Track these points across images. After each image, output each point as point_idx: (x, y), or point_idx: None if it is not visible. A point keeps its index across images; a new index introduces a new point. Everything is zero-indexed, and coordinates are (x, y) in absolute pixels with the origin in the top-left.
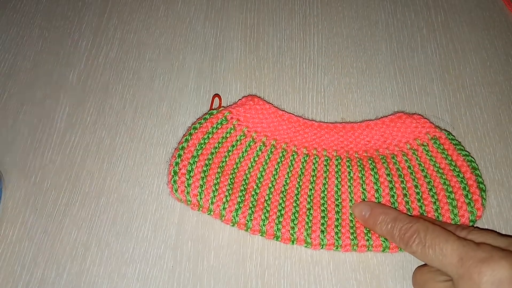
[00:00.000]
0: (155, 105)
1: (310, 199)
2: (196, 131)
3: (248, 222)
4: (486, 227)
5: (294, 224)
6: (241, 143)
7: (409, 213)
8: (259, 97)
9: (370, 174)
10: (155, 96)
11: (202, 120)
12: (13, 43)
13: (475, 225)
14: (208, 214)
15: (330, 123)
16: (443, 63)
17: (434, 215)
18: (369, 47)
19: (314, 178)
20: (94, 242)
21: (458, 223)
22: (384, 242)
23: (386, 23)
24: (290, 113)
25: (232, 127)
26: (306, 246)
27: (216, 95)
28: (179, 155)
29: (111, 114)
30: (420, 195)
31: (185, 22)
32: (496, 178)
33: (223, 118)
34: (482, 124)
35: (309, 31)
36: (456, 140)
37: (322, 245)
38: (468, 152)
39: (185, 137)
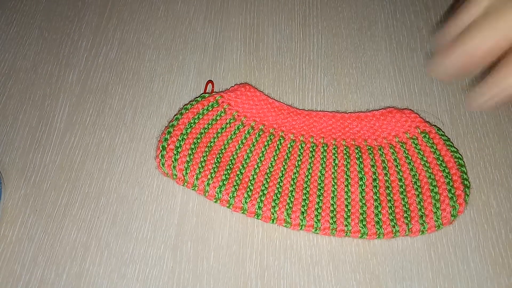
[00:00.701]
0: (154, 105)
1: (294, 182)
2: (187, 111)
3: (230, 199)
4: (486, 228)
5: (276, 204)
6: (230, 126)
7: (390, 204)
8: (250, 85)
9: (355, 162)
10: (155, 97)
11: (194, 102)
12: (13, 43)
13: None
14: (192, 189)
15: (321, 111)
16: None
17: (417, 207)
18: (368, 48)
19: (299, 163)
20: (93, 242)
21: (440, 217)
22: (362, 228)
23: (385, 23)
24: (280, 101)
25: (223, 111)
26: (285, 226)
27: (210, 81)
28: (169, 132)
29: (111, 115)
30: (403, 187)
31: (185, 23)
32: (495, 178)
33: (214, 102)
34: (482, 124)
35: (308, 31)
36: (446, 136)
37: (301, 226)
38: (456, 148)
39: (175, 116)
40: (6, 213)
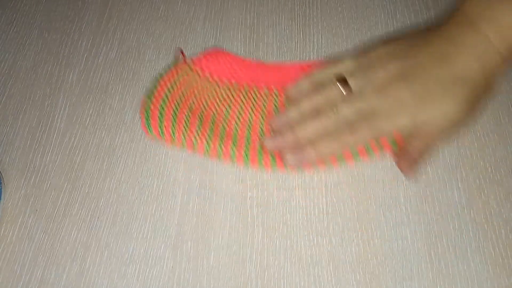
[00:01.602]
0: None
1: None
2: (162, 78)
3: (219, 150)
4: (486, 228)
5: (261, 152)
6: (206, 88)
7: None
8: (219, 48)
9: None
10: None
11: (167, 69)
12: (13, 43)
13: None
14: (181, 147)
15: (290, 62)
16: None
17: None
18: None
19: (277, 111)
20: (94, 242)
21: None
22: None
23: (385, 24)
24: (250, 58)
25: (197, 75)
26: (272, 170)
27: (179, 49)
28: (149, 98)
29: (111, 115)
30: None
31: (185, 23)
32: (496, 178)
33: (188, 68)
34: (482, 124)
35: (308, 31)
36: None
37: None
38: None
39: (153, 84)
40: (6, 213)
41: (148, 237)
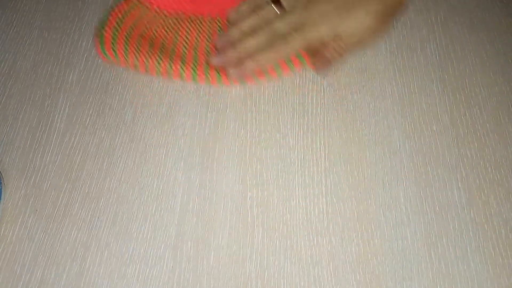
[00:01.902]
0: (154, 105)
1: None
2: (113, 10)
3: (168, 69)
4: (486, 228)
5: (206, 68)
6: (155, 19)
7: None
8: None
9: None
10: (155, 97)
11: (117, 3)
12: (13, 43)
13: None
14: (135, 69)
15: None
16: (442, 63)
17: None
18: (368, 48)
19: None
20: (94, 242)
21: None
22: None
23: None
24: None
25: (146, 8)
26: (218, 84)
27: None
28: (102, 27)
29: (111, 115)
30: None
31: None
32: (495, 178)
33: (137, 2)
34: (482, 124)
35: None
36: None
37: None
38: None
39: (104, 15)
40: (6, 213)
41: (148, 237)
